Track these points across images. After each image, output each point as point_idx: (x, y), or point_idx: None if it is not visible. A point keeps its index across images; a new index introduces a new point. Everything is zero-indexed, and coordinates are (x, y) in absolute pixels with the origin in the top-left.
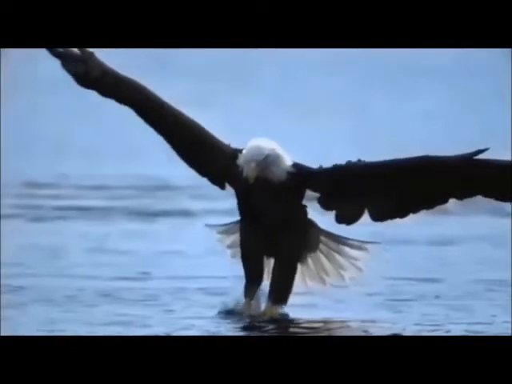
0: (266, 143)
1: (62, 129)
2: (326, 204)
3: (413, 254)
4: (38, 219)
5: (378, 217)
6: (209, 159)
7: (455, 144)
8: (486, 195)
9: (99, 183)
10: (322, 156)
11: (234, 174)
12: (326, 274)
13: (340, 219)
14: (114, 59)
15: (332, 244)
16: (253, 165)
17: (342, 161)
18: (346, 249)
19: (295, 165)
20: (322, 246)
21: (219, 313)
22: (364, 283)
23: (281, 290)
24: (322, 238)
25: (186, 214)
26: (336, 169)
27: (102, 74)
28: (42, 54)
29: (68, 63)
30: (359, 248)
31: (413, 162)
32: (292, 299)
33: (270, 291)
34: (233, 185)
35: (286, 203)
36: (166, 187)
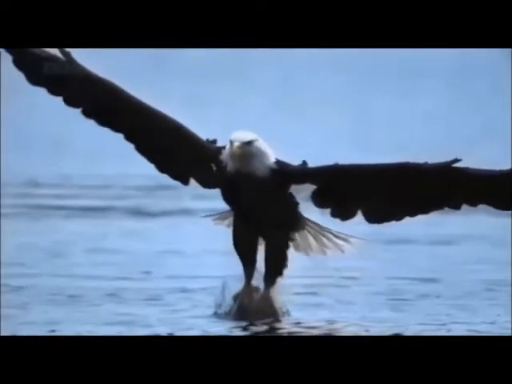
0: (250, 134)
1: (62, 129)
2: (317, 202)
3: (413, 254)
4: (38, 219)
5: (369, 219)
6: (185, 156)
7: (455, 144)
8: (470, 204)
9: (99, 183)
10: (321, 156)
11: (217, 171)
12: (311, 249)
13: (333, 215)
14: (115, 59)
15: (319, 229)
16: (236, 143)
17: (341, 160)
18: (332, 236)
19: (278, 162)
20: (309, 229)
21: (216, 313)
22: (366, 283)
23: (275, 275)
24: (310, 224)
25: (186, 213)
26: (320, 169)
27: (84, 74)
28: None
29: (54, 64)
30: (344, 239)
31: (393, 168)
32: (295, 299)
33: (265, 276)
34: (217, 182)
35: (271, 201)
36: (166, 187)
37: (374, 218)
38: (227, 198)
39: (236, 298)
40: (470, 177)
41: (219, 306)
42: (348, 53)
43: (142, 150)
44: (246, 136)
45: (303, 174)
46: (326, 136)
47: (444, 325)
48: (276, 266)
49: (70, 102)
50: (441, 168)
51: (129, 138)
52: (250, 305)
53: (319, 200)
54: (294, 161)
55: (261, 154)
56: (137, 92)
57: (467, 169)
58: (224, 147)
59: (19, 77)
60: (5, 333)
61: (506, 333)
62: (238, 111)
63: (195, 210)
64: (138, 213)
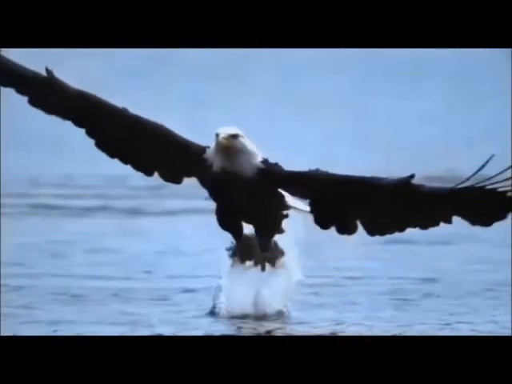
0: (236, 129)
1: (62, 129)
2: (318, 220)
3: (413, 254)
4: (38, 218)
5: (369, 231)
6: (157, 154)
7: (455, 144)
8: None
9: (99, 183)
10: (321, 156)
11: (202, 169)
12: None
13: (339, 232)
14: (115, 59)
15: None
16: (222, 135)
17: (342, 160)
18: None
19: (265, 162)
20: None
21: (212, 312)
22: (368, 283)
23: (266, 246)
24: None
25: (186, 212)
26: (302, 175)
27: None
28: (41, 54)
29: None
30: None
31: (355, 181)
32: (297, 298)
33: (259, 243)
34: (202, 181)
35: (259, 200)
36: (166, 186)
37: (372, 230)
38: (213, 196)
39: (231, 248)
40: (425, 194)
41: (218, 288)
42: (348, 53)
43: (101, 144)
44: (232, 130)
45: (289, 176)
46: (325, 136)
47: (445, 325)
48: (266, 242)
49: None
50: (398, 184)
51: (90, 133)
52: (249, 246)
53: (319, 217)
54: (294, 161)
55: (246, 151)
56: (137, 92)
57: (422, 186)
58: (209, 147)
59: None
60: (5, 333)
61: (507, 333)
62: (237, 111)
63: (196, 210)
64: (138, 212)
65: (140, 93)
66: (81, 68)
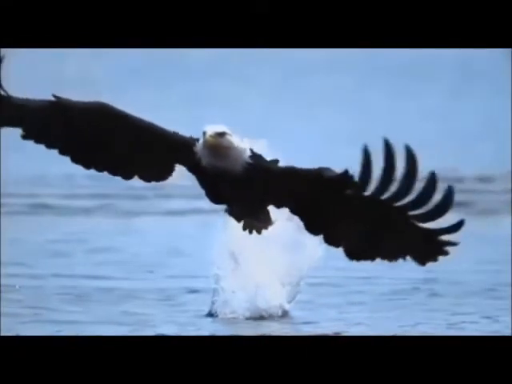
0: (224, 127)
1: None
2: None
3: None
4: (39, 218)
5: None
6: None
7: (455, 144)
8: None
9: (99, 183)
10: (322, 154)
11: (192, 160)
12: None
13: (326, 242)
14: (115, 59)
15: None
16: (209, 133)
17: (342, 159)
18: None
19: (254, 157)
20: None
21: (212, 311)
22: (370, 282)
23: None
24: None
25: (187, 212)
26: (291, 171)
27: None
28: (41, 54)
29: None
30: None
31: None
32: (298, 297)
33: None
34: (192, 172)
35: (247, 194)
36: (166, 186)
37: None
38: (202, 186)
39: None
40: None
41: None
42: (348, 53)
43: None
44: (219, 128)
45: (278, 172)
46: (325, 135)
47: (445, 325)
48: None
49: None
50: (339, 179)
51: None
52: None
53: (306, 221)
54: (294, 160)
55: (233, 149)
56: (137, 91)
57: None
58: (198, 139)
59: (19, 76)
60: (8, 333)
61: (507, 332)
62: (237, 111)
63: (196, 210)
64: (138, 212)
65: (140, 92)
66: (81, 68)
